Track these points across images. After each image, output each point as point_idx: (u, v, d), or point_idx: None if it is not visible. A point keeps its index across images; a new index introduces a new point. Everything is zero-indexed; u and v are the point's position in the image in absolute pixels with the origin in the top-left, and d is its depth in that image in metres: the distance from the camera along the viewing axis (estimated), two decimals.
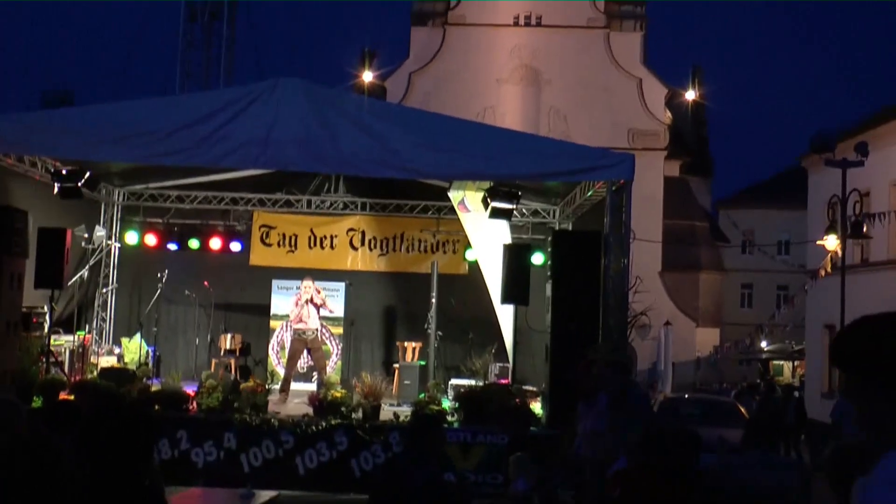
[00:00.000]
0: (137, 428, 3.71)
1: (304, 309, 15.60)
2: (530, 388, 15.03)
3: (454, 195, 15.83)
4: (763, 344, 39.96)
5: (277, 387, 15.38)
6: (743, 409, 19.30)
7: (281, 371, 16.56)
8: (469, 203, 15.68)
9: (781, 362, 42.49)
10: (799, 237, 34.41)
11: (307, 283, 15.85)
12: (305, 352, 16.11)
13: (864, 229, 20.35)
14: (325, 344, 17.96)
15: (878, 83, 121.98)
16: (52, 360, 14.22)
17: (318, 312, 15.83)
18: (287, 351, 16.50)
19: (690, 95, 39.73)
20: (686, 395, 23.01)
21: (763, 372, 40.17)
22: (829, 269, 24.35)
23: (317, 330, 15.90)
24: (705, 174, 47.70)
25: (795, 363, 40.63)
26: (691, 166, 43.11)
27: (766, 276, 48.94)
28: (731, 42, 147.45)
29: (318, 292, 15.84)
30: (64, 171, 14.50)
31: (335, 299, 17.74)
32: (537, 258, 15.89)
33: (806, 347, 31.56)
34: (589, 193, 14.29)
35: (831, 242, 21.94)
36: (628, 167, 12.53)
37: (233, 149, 12.34)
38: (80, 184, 14.56)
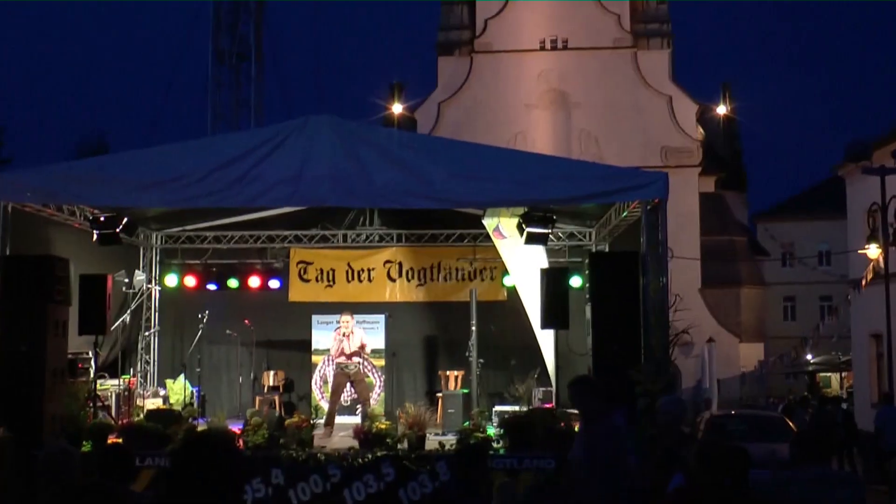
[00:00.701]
0: (233, 462, 3.60)
1: (345, 343, 15.59)
2: (575, 411, 14.92)
3: (488, 222, 15.85)
4: (809, 356, 39.50)
5: (322, 421, 15.39)
6: (792, 424, 19.03)
7: (325, 405, 16.57)
8: (504, 229, 15.69)
9: (829, 374, 41.96)
10: (839, 247, 34.08)
11: (346, 317, 15.88)
12: (349, 385, 16.05)
13: None
14: (368, 376, 18.00)
15: None
16: (99, 404, 14.35)
17: (361, 346, 15.78)
18: (330, 385, 16.52)
19: (721, 110, 39.66)
20: (732, 412, 22.73)
21: (811, 385, 39.69)
22: (871, 278, 24.07)
23: (360, 363, 15.84)
24: (741, 188, 47.41)
25: (843, 374, 40.11)
26: (726, 181, 42.87)
27: (808, 287, 48.47)
28: (760, 54, 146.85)
29: (353, 334, 15.75)
30: (102, 219, 14.68)
31: (375, 331, 17.81)
32: (575, 281, 15.84)
33: (853, 358, 31.14)
34: (624, 214, 14.25)
35: (873, 251, 21.71)
36: (662, 186, 12.48)
37: (266, 188, 12.44)
38: (118, 230, 14.74)
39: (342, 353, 15.58)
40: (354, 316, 16.13)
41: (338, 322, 16.14)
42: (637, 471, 7.39)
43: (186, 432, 12.88)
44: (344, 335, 15.58)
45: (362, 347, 15.63)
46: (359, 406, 16.15)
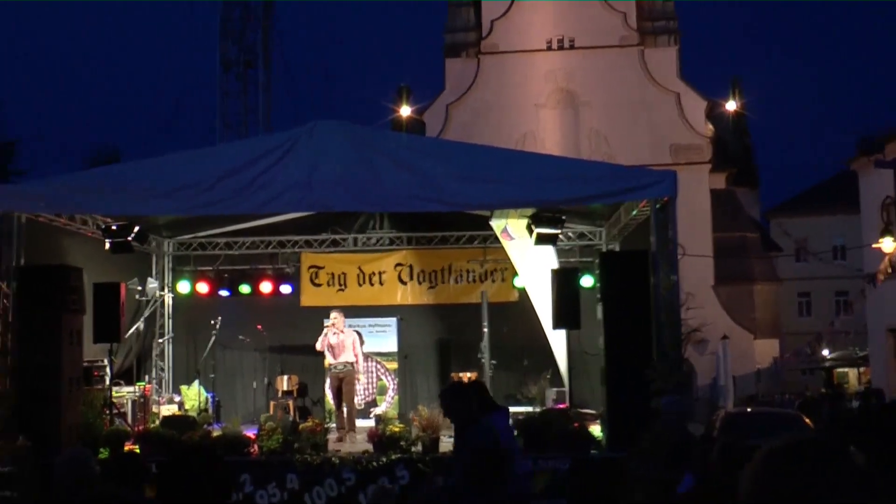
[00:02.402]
0: (218, 472, 3.72)
1: (330, 337, 15.36)
2: (588, 411, 14.96)
3: (496, 224, 15.86)
4: (825, 352, 39.33)
5: (335, 425, 15.43)
6: (808, 420, 18.98)
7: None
8: (512, 230, 15.71)
9: (846, 370, 41.77)
10: (854, 241, 33.93)
11: (334, 314, 15.67)
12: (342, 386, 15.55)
13: None
14: (381, 379, 18.06)
15: None
16: (115, 411, 14.45)
17: (353, 345, 15.50)
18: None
19: (731, 106, 39.49)
20: (748, 409, 22.69)
21: (828, 380, 39.52)
22: (888, 272, 23.99)
23: (350, 363, 15.46)
24: (752, 184, 47.26)
25: (861, 370, 39.93)
26: (737, 177, 42.74)
27: (823, 282, 48.29)
28: (769, 48, 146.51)
29: (343, 332, 15.46)
30: (114, 227, 14.77)
31: (387, 335, 17.86)
32: (586, 281, 15.85)
33: (870, 353, 31.02)
34: (633, 213, 14.26)
35: (888, 244, 21.62)
36: (670, 184, 12.49)
37: (276, 194, 12.51)
38: (130, 238, 14.82)
39: (334, 357, 15.44)
40: (366, 320, 16.11)
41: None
42: (523, 475, 7.40)
43: (202, 439, 12.96)
44: (333, 333, 15.40)
45: (352, 344, 15.46)
46: (372, 410, 16.15)
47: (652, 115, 35.92)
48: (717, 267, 36.59)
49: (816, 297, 49.86)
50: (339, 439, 14.64)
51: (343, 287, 18.55)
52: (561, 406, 15.30)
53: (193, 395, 16.87)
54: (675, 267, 12.57)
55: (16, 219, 13.07)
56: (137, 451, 12.52)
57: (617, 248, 16.43)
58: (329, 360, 15.61)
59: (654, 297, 12.55)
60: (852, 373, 41.77)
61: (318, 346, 15.60)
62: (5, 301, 12.86)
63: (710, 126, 38.67)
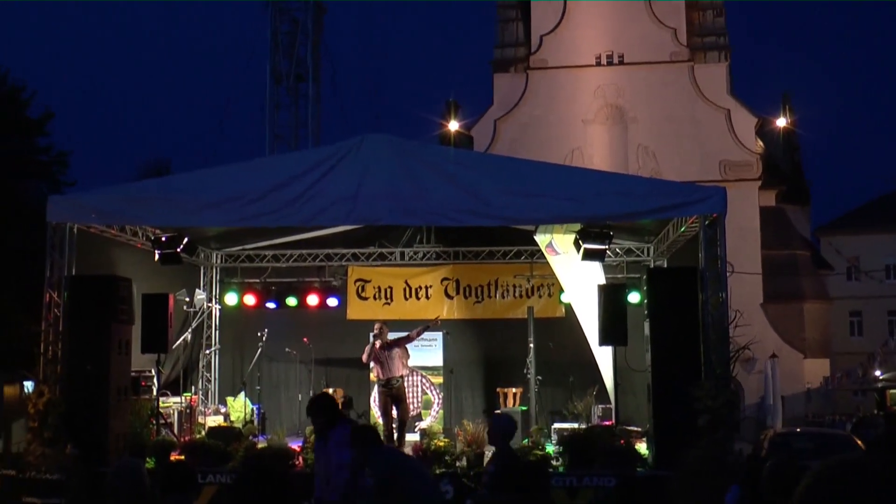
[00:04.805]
0: (289, 480, 3.72)
1: (385, 358, 15.11)
2: (634, 428, 14.82)
3: (541, 239, 15.78)
4: (877, 373, 38.62)
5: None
6: (860, 442, 18.62)
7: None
8: (557, 245, 15.62)
9: None
10: None
11: (377, 325, 15.56)
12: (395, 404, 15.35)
13: None
14: (427, 394, 18.03)
15: None
16: (161, 421, 14.57)
17: (401, 358, 15.26)
18: (378, 406, 16.25)
19: (781, 122, 39.07)
20: (798, 429, 22.35)
21: (881, 401, 38.79)
22: None
23: (401, 377, 15.28)
24: (802, 202, 46.66)
25: None
26: (787, 195, 42.22)
27: (876, 302, 47.52)
28: (820, 64, 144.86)
29: (382, 333, 15.23)
30: (163, 239, 14.92)
31: (433, 349, 17.83)
32: (634, 297, 15.71)
33: None
34: (682, 229, 14.13)
35: None
36: (720, 200, 12.38)
37: (324, 207, 12.56)
38: (179, 249, 14.96)
39: (380, 372, 15.34)
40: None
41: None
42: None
43: (247, 450, 13.01)
44: (381, 348, 15.17)
45: (401, 346, 15.24)
46: (416, 424, 16.09)
47: (701, 131, 35.64)
48: (767, 285, 36.14)
49: (868, 317, 49.04)
50: None
51: (389, 301, 18.57)
52: (607, 423, 15.17)
53: (239, 407, 16.95)
54: (723, 284, 12.44)
55: (68, 229, 13.26)
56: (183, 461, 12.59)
57: (665, 265, 16.29)
58: (377, 373, 15.51)
59: (703, 314, 12.43)
60: None
61: (364, 359, 15.54)
62: (56, 310, 13.04)
63: (760, 142, 38.28)
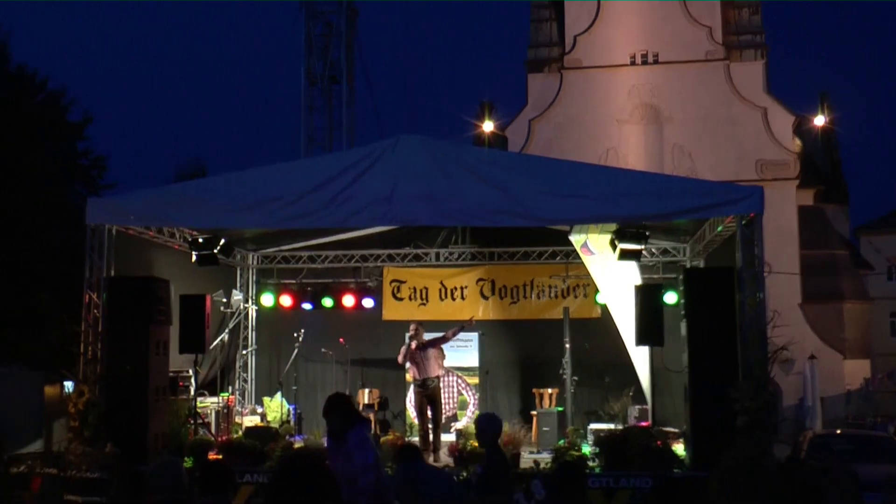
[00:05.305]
0: (328, 479, 3.72)
1: (421, 358, 15.06)
2: (671, 429, 14.74)
3: (576, 239, 15.73)
4: None
5: (416, 439, 15.36)
6: None
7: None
8: (592, 246, 15.56)
9: None
10: None
11: (413, 325, 15.51)
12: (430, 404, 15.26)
13: None
14: (462, 394, 18.04)
15: None
16: (199, 421, 14.68)
17: (437, 358, 15.21)
18: (414, 406, 16.23)
19: (819, 121, 38.64)
20: (838, 431, 22.08)
21: None
22: None
23: (437, 378, 15.20)
24: (841, 201, 46.13)
25: None
26: (826, 194, 41.76)
27: None
28: (859, 61, 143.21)
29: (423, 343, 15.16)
30: (200, 240, 15.05)
31: (469, 350, 17.84)
32: (670, 297, 15.63)
33: None
34: (719, 229, 14.03)
35: None
36: (757, 200, 12.28)
37: (359, 208, 12.61)
38: (215, 251, 15.08)
39: (416, 372, 15.32)
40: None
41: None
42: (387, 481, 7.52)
43: (283, 450, 13.08)
44: (417, 349, 15.13)
45: (437, 346, 15.21)
46: (452, 424, 16.08)
47: (737, 130, 35.35)
48: (805, 285, 35.78)
49: None
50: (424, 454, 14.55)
51: (425, 301, 18.61)
52: (643, 424, 15.10)
53: (276, 407, 17.05)
54: (761, 284, 12.34)
55: (106, 231, 13.41)
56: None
57: (701, 265, 16.18)
58: (413, 374, 15.51)
59: (740, 314, 12.35)
60: None
61: (400, 360, 15.55)
62: (96, 311, 13.19)
63: (798, 141, 37.90)
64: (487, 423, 8.34)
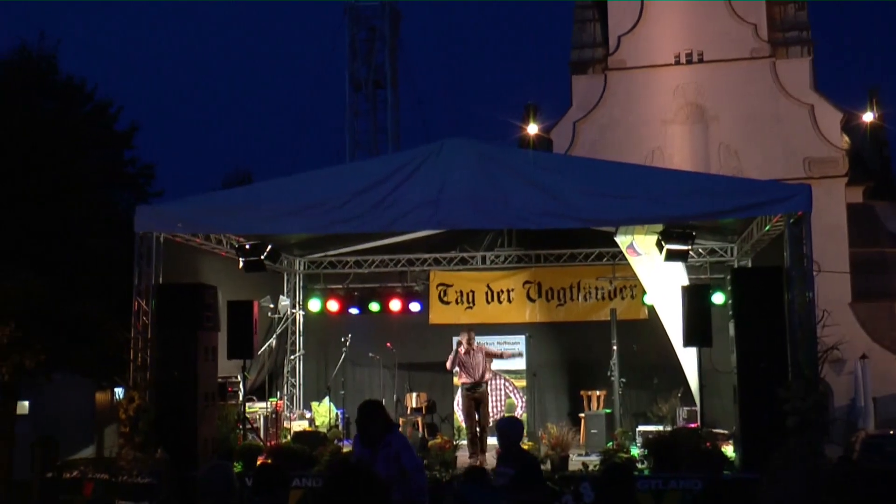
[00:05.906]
0: (378, 484, 3.75)
1: (469, 362, 15.07)
2: (720, 430, 14.62)
3: (622, 240, 15.66)
4: None
5: (465, 442, 15.36)
6: None
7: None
8: (639, 246, 15.47)
9: None
10: None
11: (463, 333, 15.46)
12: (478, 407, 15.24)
13: None
14: (510, 397, 18.01)
15: None
16: (248, 426, 14.79)
17: (486, 362, 15.20)
18: (462, 410, 16.21)
19: (868, 117, 38.10)
20: (891, 431, 21.77)
21: None
22: None
23: (486, 382, 15.24)
24: (891, 198, 45.41)
25: None
26: (875, 191, 41.11)
27: None
28: None
29: (474, 350, 15.14)
30: (247, 246, 15.17)
31: (516, 353, 17.81)
32: (718, 298, 15.49)
33: None
34: (766, 228, 13.88)
35: None
36: (805, 198, 12.14)
37: (405, 212, 12.63)
38: (262, 257, 15.19)
39: (465, 375, 15.27)
40: (495, 337, 16.01)
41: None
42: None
43: (332, 455, 13.14)
44: (463, 352, 15.12)
45: (487, 355, 15.25)
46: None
47: (784, 128, 34.95)
48: (855, 283, 35.24)
49: None
50: (472, 457, 14.57)
51: (471, 305, 18.61)
52: (692, 425, 14.96)
53: (324, 412, 17.13)
54: (810, 283, 12.18)
55: (154, 239, 13.55)
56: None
57: (749, 265, 16.03)
58: (461, 378, 15.47)
59: (789, 314, 12.20)
60: None
61: (449, 366, 15.44)
62: (145, 318, 13.34)
63: (846, 138, 37.39)
64: (510, 427, 8.36)
